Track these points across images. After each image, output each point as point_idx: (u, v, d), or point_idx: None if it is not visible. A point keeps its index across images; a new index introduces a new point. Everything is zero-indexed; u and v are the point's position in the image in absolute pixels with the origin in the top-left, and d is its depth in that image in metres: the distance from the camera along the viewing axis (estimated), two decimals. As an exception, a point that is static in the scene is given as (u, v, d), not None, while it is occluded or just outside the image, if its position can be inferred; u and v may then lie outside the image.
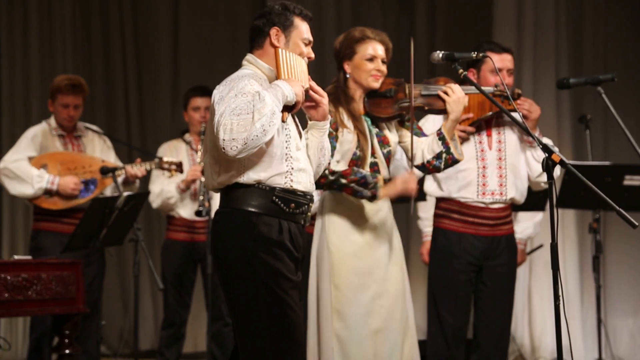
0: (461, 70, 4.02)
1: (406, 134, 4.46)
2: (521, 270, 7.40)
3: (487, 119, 4.80)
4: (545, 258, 7.22)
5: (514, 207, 4.95)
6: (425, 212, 5.97)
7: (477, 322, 4.87)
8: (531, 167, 4.87)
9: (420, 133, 4.49)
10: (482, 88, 4.31)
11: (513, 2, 7.65)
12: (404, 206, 6.08)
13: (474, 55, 4.14)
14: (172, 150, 6.33)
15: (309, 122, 3.79)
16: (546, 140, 4.62)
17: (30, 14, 7.84)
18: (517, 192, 4.84)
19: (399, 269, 4.41)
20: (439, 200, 4.88)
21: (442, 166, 4.41)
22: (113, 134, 7.49)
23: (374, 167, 4.34)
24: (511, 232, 4.90)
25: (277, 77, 3.58)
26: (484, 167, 4.79)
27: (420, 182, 5.02)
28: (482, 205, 4.79)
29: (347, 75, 4.39)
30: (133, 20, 8.27)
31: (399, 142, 4.48)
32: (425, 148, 4.41)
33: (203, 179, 5.95)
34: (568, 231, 7.51)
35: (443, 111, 4.48)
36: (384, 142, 4.39)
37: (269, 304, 3.47)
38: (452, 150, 4.37)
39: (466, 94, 4.58)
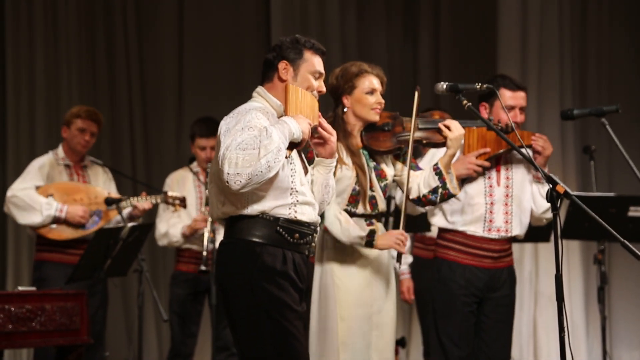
0: (465, 102, 4.01)
1: (403, 168, 4.48)
2: (526, 301, 7.39)
3: (500, 155, 4.78)
4: (550, 289, 7.19)
5: (515, 239, 4.93)
6: None
7: (479, 353, 4.84)
8: (536, 203, 4.84)
9: (415, 167, 4.51)
10: (488, 122, 4.29)
11: (517, 33, 7.68)
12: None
13: (478, 87, 4.13)
14: (179, 181, 6.32)
15: (316, 159, 3.79)
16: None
17: (36, 48, 7.87)
18: (521, 228, 4.83)
19: (392, 302, 4.48)
20: (443, 231, 4.86)
21: (438, 200, 4.45)
22: (118, 166, 7.50)
23: (373, 200, 4.36)
24: (511, 264, 4.89)
25: (285, 111, 3.58)
26: (491, 203, 4.76)
27: (424, 214, 5.02)
28: (487, 238, 4.78)
29: (345, 109, 4.39)
30: (138, 53, 8.30)
31: (395, 176, 4.51)
32: (421, 182, 4.44)
33: (207, 232, 5.94)
34: (573, 262, 7.50)
35: (442, 144, 4.49)
36: (381, 176, 4.43)
37: (273, 334, 3.47)
38: (448, 185, 4.42)
39: (477, 128, 4.59)
